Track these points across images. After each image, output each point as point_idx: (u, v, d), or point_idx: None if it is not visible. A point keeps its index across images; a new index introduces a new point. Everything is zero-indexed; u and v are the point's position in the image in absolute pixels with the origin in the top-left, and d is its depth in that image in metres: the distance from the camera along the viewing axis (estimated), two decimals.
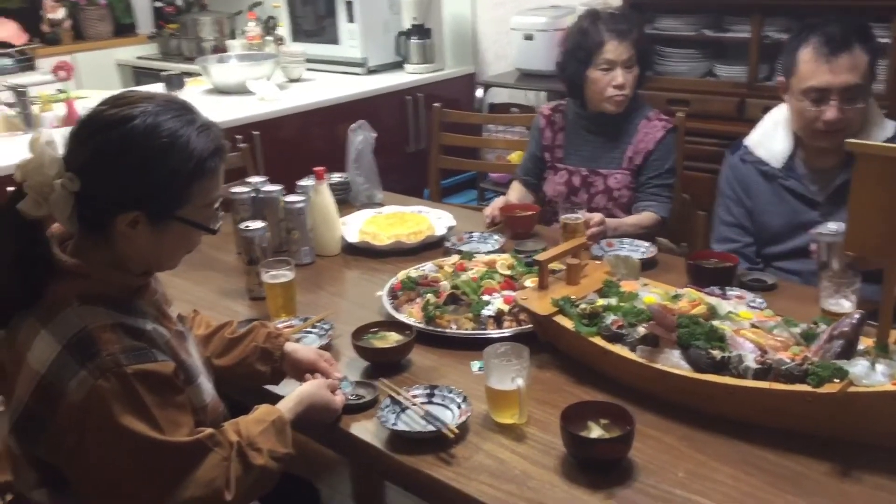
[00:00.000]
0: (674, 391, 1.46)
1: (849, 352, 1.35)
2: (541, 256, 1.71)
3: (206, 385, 1.36)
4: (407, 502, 2.28)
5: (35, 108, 3.23)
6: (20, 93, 3.17)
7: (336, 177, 2.68)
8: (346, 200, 2.64)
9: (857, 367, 1.31)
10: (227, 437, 1.29)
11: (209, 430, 1.26)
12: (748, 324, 1.53)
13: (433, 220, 2.40)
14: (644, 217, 2.42)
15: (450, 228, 2.33)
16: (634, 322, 1.53)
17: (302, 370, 1.55)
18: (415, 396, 1.50)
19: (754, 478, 1.29)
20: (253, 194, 2.25)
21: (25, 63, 4.56)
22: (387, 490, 2.46)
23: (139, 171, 1.20)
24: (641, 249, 2.15)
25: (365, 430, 1.46)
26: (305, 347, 1.60)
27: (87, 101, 3.67)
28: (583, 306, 1.61)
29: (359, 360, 1.67)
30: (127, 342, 1.19)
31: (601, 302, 1.63)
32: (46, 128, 3.21)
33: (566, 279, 1.74)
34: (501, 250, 2.18)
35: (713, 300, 1.63)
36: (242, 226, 1.99)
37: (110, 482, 1.19)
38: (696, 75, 3.37)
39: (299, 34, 4.37)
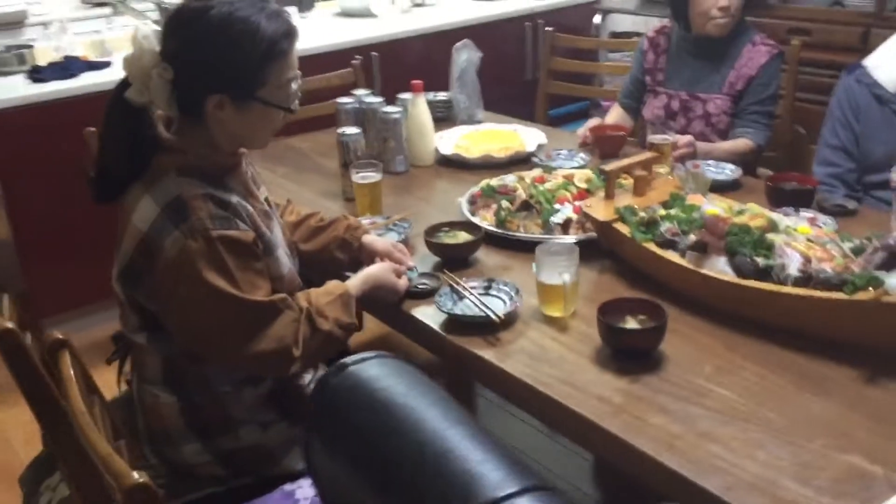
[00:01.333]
0: (716, 296, 1.51)
1: (891, 264, 1.36)
2: (608, 166, 1.78)
3: (284, 259, 1.53)
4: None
5: None
6: (164, 8, 3.44)
7: (440, 95, 2.80)
8: (449, 118, 2.76)
9: (893, 278, 1.32)
10: (298, 303, 1.47)
11: (282, 295, 1.44)
12: (803, 238, 1.56)
13: (525, 137, 2.48)
14: (739, 143, 2.41)
15: (540, 146, 2.41)
16: (687, 229, 1.58)
17: (380, 257, 1.71)
18: (473, 287, 1.63)
19: (779, 377, 1.34)
20: (356, 105, 2.40)
21: None
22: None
23: (219, 56, 1.37)
24: (727, 171, 2.16)
25: (424, 313, 1.60)
26: (382, 239, 1.76)
27: None
28: (642, 215, 1.68)
29: (431, 255, 1.80)
30: (214, 210, 1.37)
31: (662, 212, 1.69)
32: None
33: (633, 190, 1.80)
34: (586, 168, 2.24)
35: (776, 216, 1.66)
36: (339, 131, 2.15)
37: (197, 329, 1.40)
38: (822, 3, 3.23)
39: None
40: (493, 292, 1.62)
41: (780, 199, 1.92)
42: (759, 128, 2.43)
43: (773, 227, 1.61)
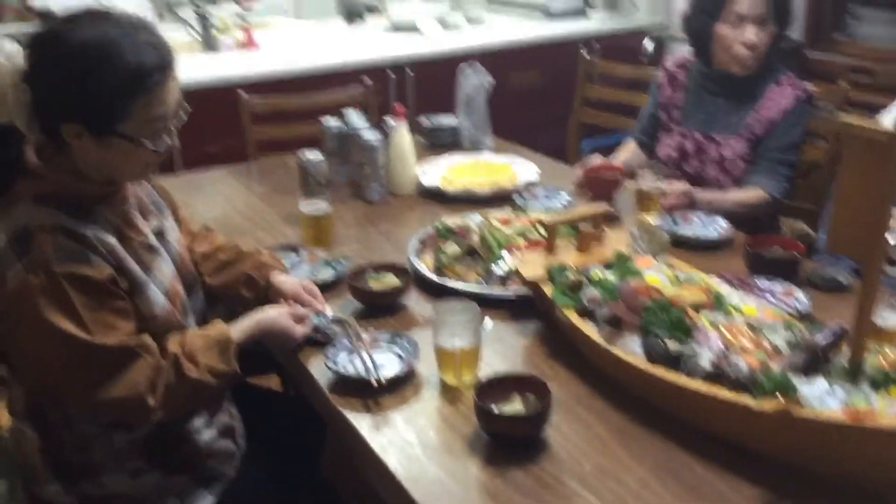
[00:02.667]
0: (626, 379, 1.33)
1: (814, 367, 1.15)
2: (548, 218, 1.61)
3: (158, 297, 1.42)
4: None
5: (215, 32, 3.50)
6: (203, 17, 3.45)
7: (446, 120, 2.68)
8: (456, 144, 2.62)
9: (812, 387, 1.11)
10: (169, 347, 1.37)
11: (140, 338, 1.34)
12: (744, 321, 1.34)
13: (519, 171, 2.32)
14: (749, 194, 2.17)
15: (528, 183, 2.24)
16: (607, 299, 1.40)
17: (286, 300, 1.59)
18: (375, 341, 1.49)
19: (663, 487, 1.15)
20: (342, 127, 2.31)
21: None
22: None
23: (74, 84, 1.27)
24: (716, 227, 1.94)
25: (317, 363, 1.48)
26: (291, 280, 1.64)
27: (267, 28, 3.94)
28: (570, 276, 1.50)
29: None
30: (62, 243, 1.27)
31: (597, 275, 1.50)
32: (221, 50, 3.49)
33: (577, 246, 1.62)
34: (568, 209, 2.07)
35: (725, 290, 1.45)
36: (299, 154, 2.05)
37: (40, 371, 1.32)
38: (892, 41, 2.91)
39: None
40: (397, 348, 1.49)
41: (758, 266, 1.69)
42: (776, 178, 2.18)
43: (716, 303, 1.41)
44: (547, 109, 3.56)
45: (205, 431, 1.53)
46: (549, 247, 1.61)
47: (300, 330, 1.52)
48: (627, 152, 2.52)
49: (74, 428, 1.40)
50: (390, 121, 2.28)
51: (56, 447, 1.41)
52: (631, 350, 1.31)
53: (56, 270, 1.26)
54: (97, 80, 1.26)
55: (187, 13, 3.56)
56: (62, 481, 1.42)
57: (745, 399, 1.14)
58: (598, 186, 2.19)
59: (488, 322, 1.59)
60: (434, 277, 1.71)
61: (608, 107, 3.12)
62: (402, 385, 1.41)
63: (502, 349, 1.52)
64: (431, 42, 3.62)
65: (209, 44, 3.49)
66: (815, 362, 1.15)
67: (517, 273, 1.59)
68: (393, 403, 1.37)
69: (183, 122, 1.41)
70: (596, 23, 3.97)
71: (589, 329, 1.38)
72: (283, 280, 1.63)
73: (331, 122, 2.32)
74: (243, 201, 2.27)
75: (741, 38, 2.15)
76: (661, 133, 2.41)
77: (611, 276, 1.49)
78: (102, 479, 1.42)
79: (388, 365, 1.44)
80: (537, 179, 2.28)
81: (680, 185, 2.04)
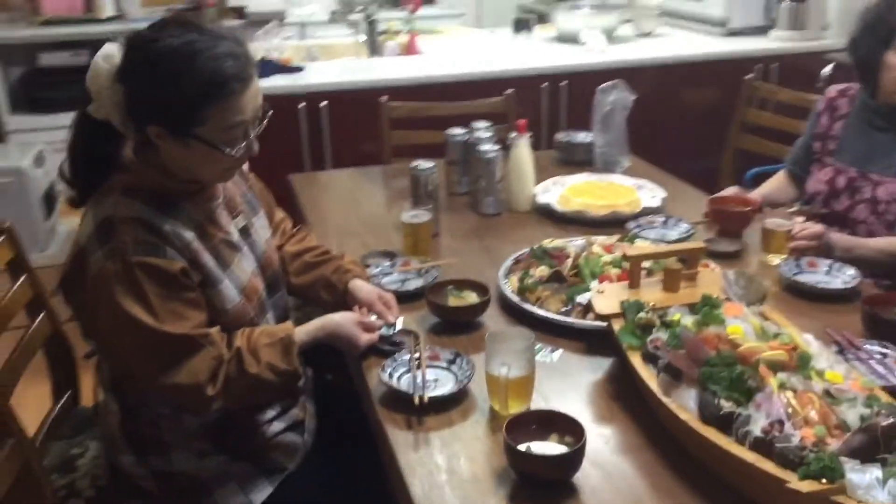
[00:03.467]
0: (677, 434, 1.23)
1: (870, 452, 1.00)
2: (631, 251, 1.52)
3: (231, 292, 1.47)
4: None
5: (381, 37, 3.61)
6: (371, 22, 3.57)
7: (584, 137, 2.61)
8: (590, 161, 2.55)
9: (863, 475, 0.97)
10: (230, 340, 1.43)
11: (206, 329, 1.40)
12: (822, 388, 1.20)
13: (643, 196, 2.22)
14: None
15: (648, 209, 2.14)
16: (670, 346, 1.30)
17: (360, 307, 1.61)
18: (435, 358, 1.48)
19: None
20: (466, 137, 2.30)
21: None
22: None
23: (156, 88, 1.34)
24: (843, 277, 1.76)
25: (376, 372, 1.48)
26: (368, 288, 1.65)
27: (437, 35, 4.01)
28: (647, 315, 1.41)
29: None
30: (140, 235, 1.36)
31: (675, 317, 1.40)
32: (385, 54, 3.59)
33: (663, 284, 1.52)
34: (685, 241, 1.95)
35: (815, 349, 1.31)
36: (413, 164, 2.07)
37: (112, 351, 1.41)
38: None
39: None
40: (455, 368, 1.46)
41: (873, 327, 1.51)
42: None
43: (799, 364, 1.27)
44: (707, 131, 3.37)
45: (274, 423, 1.58)
46: (632, 281, 1.52)
47: (365, 338, 1.53)
48: (774, 184, 2.33)
49: (149, 406, 1.49)
50: (512, 135, 2.24)
51: (133, 421, 1.51)
52: (685, 404, 1.21)
53: (131, 260, 1.34)
54: (176, 85, 1.33)
55: (358, 17, 3.69)
56: (136, 453, 1.51)
57: (786, 475, 1.02)
58: (724, 219, 2.04)
59: (557, 352, 1.53)
60: (515, 299, 1.67)
61: (770, 134, 2.91)
62: (451, 407, 1.38)
63: (567, 382, 1.46)
64: (592, 54, 3.53)
65: (373, 48, 3.60)
66: (873, 446, 1.00)
67: (592, 304, 1.51)
68: (436, 424, 1.34)
69: (262, 128, 1.46)
70: (777, 42, 3.70)
71: (648, 375, 1.29)
72: (359, 286, 1.65)
73: (455, 131, 2.32)
74: (364, 203, 2.32)
75: None
76: (813, 165, 2.21)
77: (689, 320, 1.39)
78: (170, 456, 1.50)
79: (440, 384, 1.42)
80: (660, 206, 2.17)
81: (813, 227, 1.86)
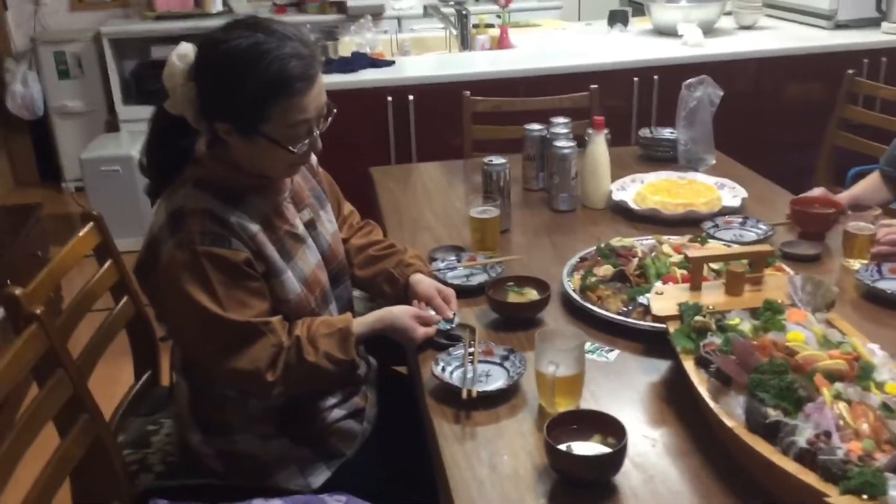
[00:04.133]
0: (724, 441, 1.20)
1: None
2: (693, 253, 1.48)
3: (293, 284, 1.52)
4: None
5: (473, 31, 3.63)
6: (462, 16, 3.59)
7: (667, 132, 2.55)
8: (674, 159, 2.49)
9: None
10: (291, 329, 1.48)
11: (267, 318, 1.46)
12: (881, 400, 1.15)
13: (724, 195, 2.16)
14: None
15: (727, 208, 2.08)
16: (723, 351, 1.26)
17: (420, 301, 1.64)
18: (486, 353, 1.49)
19: None
20: (543, 132, 2.30)
21: None
22: None
23: (225, 86, 1.40)
24: None
25: (430, 365, 1.50)
26: (429, 282, 1.68)
27: (533, 29, 3.99)
28: (703, 318, 1.37)
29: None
30: (208, 226, 1.42)
31: (734, 321, 1.37)
32: (476, 48, 3.61)
33: (725, 287, 1.48)
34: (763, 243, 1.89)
35: (879, 360, 1.25)
36: (486, 159, 2.08)
37: (179, 336, 1.49)
38: None
39: None
40: (508, 364, 1.47)
41: None
42: None
43: (863, 374, 1.22)
44: (807, 128, 3.23)
45: (335, 410, 1.63)
46: (693, 282, 1.49)
47: (422, 331, 1.55)
48: (867, 185, 2.23)
49: (216, 388, 1.56)
50: (589, 131, 2.22)
51: (200, 402, 1.58)
52: (733, 411, 1.18)
53: (198, 249, 1.41)
54: (243, 84, 1.39)
55: (450, 11, 3.72)
56: (203, 433, 1.59)
57: (828, 489, 0.99)
58: (806, 221, 1.97)
59: (613, 352, 1.52)
60: (576, 297, 1.66)
61: (872, 132, 2.76)
62: (500, 402, 1.39)
63: (621, 383, 1.44)
64: (687, 47, 3.44)
65: (465, 42, 3.62)
66: None
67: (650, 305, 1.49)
68: (484, 419, 1.36)
69: (326, 125, 1.50)
70: (888, 35, 3.51)
71: (699, 379, 1.26)
72: (419, 280, 1.67)
73: (533, 127, 2.32)
74: (439, 197, 2.34)
75: None
76: None
77: (748, 325, 1.35)
78: (234, 437, 1.57)
79: (492, 380, 1.43)
80: (740, 206, 2.10)
81: (894, 232, 1.77)
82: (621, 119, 3.21)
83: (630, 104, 3.32)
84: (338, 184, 2.65)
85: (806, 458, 1.05)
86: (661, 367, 1.48)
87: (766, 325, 1.34)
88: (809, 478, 1.02)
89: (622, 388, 1.43)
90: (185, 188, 1.48)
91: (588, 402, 1.38)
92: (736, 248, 1.55)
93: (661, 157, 2.53)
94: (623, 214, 2.15)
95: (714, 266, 1.66)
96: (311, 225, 1.63)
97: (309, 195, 1.67)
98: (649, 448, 1.27)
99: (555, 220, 2.17)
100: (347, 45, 3.55)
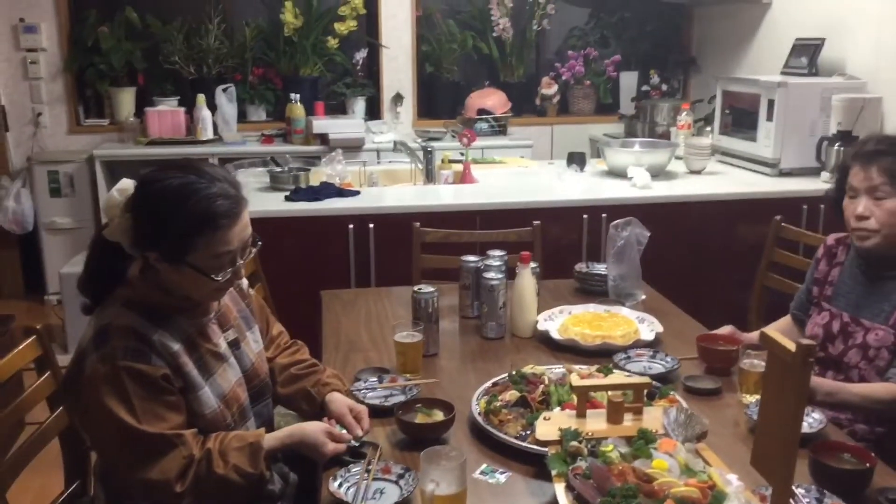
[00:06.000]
0: None
1: None
2: (576, 382, 1.60)
3: (210, 400, 1.64)
4: None
5: (438, 165, 3.87)
6: (427, 151, 3.83)
7: (598, 268, 2.72)
8: (603, 293, 2.65)
9: None
10: (205, 442, 1.58)
11: (182, 431, 1.56)
12: None
13: (642, 329, 2.29)
14: (880, 389, 1.95)
15: (640, 342, 2.21)
16: (585, 475, 1.37)
17: (331, 418, 1.75)
18: (384, 471, 1.59)
19: None
20: (478, 265, 2.45)
21: (499, 129, 5.35)
22: None
23: (157, 219, 1.57)
24: (808, 422, 1.77)
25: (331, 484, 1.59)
26: (343, 401, 1.80)
27: (491, 165, 4.23)
28: (577, 444, 1.48)
29: None
30: (130, 343, 1.55)
31: (608, 448, 1.47)
32: (439, 182, 3.83)
33: (607, 416, 1.59)
34: (666, 378, 2.01)
35: (733, 490, 1.35)
36: (416, 287, 2.22)
37: (99, 444, 1.60)
38: None
39: (727, 128, 4.29)
40: (402, 483, 1.56)
41: (817, 475, 1.53)
42: None
43: (713, 503, 1.32)
44: (745, 268, 3.40)
45: None
46: (579, 411, 1.60)
47: (331, 447, 1.65)
48: (778, 326, 2.38)
49: (132, 498, 1.64)
50: (518, 264, 2.38)
51: None
52: None
53: (119, 364, 1.53)
54: (172, 218, 1.56)
55: (417, 147, 3.97)
56: None
57: None
58: (710, 357, 2.10)
59: (505, 474, 1.61)
60: (479, 419, 1.77)
61: (797, 274, 2.92)
62: None
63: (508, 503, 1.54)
64: (637, 189, 3.66)
65: (430, 175, 3.85)
66: None
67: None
68: None
69: (251, 255, 1.66)
70: (827, 184, 3.73)
71: (562, 499, 1.36)
72: (333, 399, 1.79)
73: (469, 258, 2.48)
74: (379, 322, 2.48)
75: (853, 210, 2.05)
76: (812, 309, 2.26)
77: (619, 452, 1.46)
78: None
79: (385, 498, 1.52)
80: (652, 339, 2.23)
81: None
82: (570, 253, 3.38)
83: (580, 239, 3.50)
84: (297, 305, 2.82)
85: None
86: (549, 490, 1.57)
87: (636, 452, 1.45)
88: None
89: None
90: (115, 306, 1.61)
91: None
92: (617, 379, 1.66)
93: (595, 291, 2.69)
94: (547, 344, 2.28)
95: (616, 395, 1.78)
96: (234, 344, 1.76)
97: (237, 316, 1.81)
98: None
99: (483, 346, 2.30)
100: (318, 174, 3.77)
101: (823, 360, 2.15)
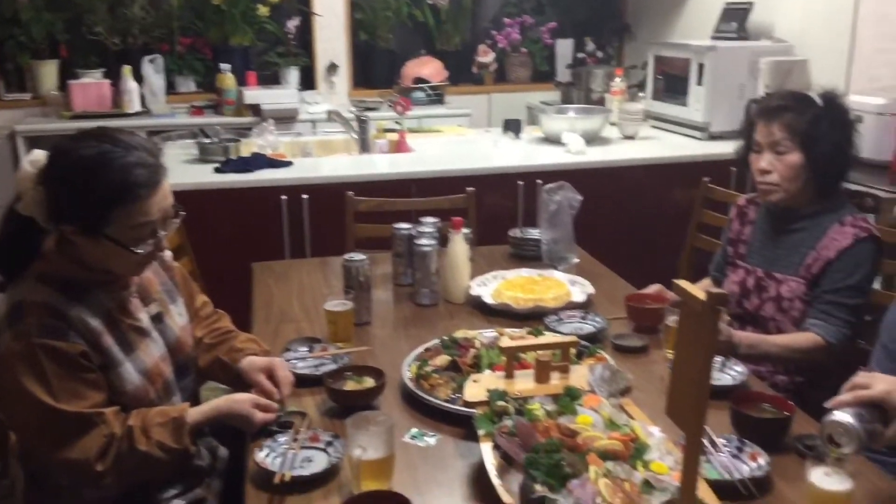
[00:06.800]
0: None
1: None
2: (505, 344, 1.61)
3: (132, 376, 1.60)
4: None
5: (372, 135, 3.83)
6: (362, 121, 3.79)
7: (532, 232, 2.73)
8: (537, 257, 2.66)
9: None
10: (124, 419, 1.54)
11: (102, 409, 1.52)
12: (644, 478, 1.26)
13: (574, 291, 2.31)
14: (799, 338, 2.01)
15: (571, 303, 2.23)
16: (511, 433, 1.37)
17: (250, 385, 1.73)
18: (313, 439, 1.57)
19: None
20: (410, 232, 2.44)
21: (436, 98, 5.31)
22: None
23: (70, 190, 1.50)
24: (730, 373, 1.81)
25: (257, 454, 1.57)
26: (259, 365, 1.76)
27: (428, 134, 4.21)
28: (504, 403, 1.49)
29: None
30: (45, 319, 1.49)
31: (535, 407, 1.48)
32: (374, 151, 3.80)
33: (535, 375, 1.60)
34: (595, 338, 2.03)
35: (654, 441, 1.37)
36: (347, 256, 2.20)
37: (16, 425, 1.54)
38: None
39: (659, 93, 4.33)
40: (330, 450, 1.55)
41: (742, 427, 1.56)
42: (833, 322, 2.01)
43: (635, 454, 1.34)
44: (677, 230, 3.46)
45: (174, 501, 1.68)
46: (507, 372, 1.61)
47: (259, 417, 1.62)
48: (699, 287, 2.41)
49: (51, 478, 1.60)
50: (450, 231, 2.37)
51: (36, 491, 1.62)
52: (512, 488, 1.29)
53: (34, 341, 1.48)
54: (88, 190, 1.49)
55: (351, 116, 3.92)
56: None
57: None
58: (638, 316, 2.13)
59: (434, 437, 1.61)
60: (410, 385, 1.76)
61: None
62: (317, 486, 1.46)
63: (438, 466, 1.54)
64: (572, 154, 3.68)
65: (364, 145, 3.81)
66: None
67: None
68: (294, 501, 1.43)
69: (174, 228, 1.61)
70: None
71: (488, 458, 1.37)
72: (250, 365, 1.76)
73: (401, 226, 2.46)
74: (312, 292, 2.44)
75: (758, 165, 2.11)
76: (728, 268, 2.31)
77: (545, 410, 1.46)
78: None
79: (313, 465, 1.50)
80: (585, 301, 2.25)
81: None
82: (506, 220, 3.39)
83: (516, 206, 3.51)
84: (229, 279, 2.77)
85: None
86: (478, 450, 1.56)
87: (562, 408, 1.46)
88: None
89: (438, 472, 1.52)
90: (29, 282, 1.55)
91: (405, 485, 1.46)
92: (544, 340, 1.67)
93: (529, 256, 2.70)
94: (480, 309, 2.29)
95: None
96: (158, 318, 1.71)
97: (159, 289, 1.76)
98: None
99: (416, 313, 2.29)
100: (249, 145, 3.70)
101: (741, 315, 2.21)
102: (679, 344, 1.05)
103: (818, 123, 2.03)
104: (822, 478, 1.30)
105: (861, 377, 1.36)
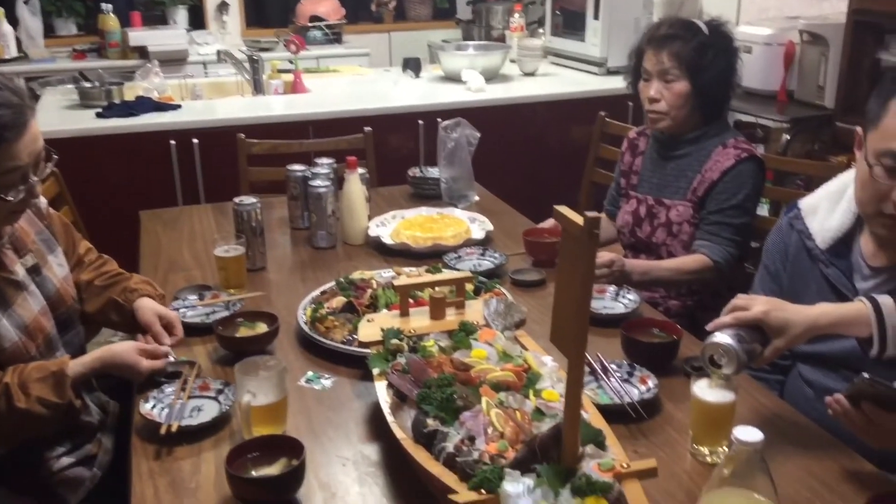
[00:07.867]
0: (402, 451, 1.28)
1: (530, 463, 1.07)
2: (399, 281, 1.58)
3: (9, 332, 1.50)
4: None
5: (265, 76, 3.69)
6: (254, 61, 3.65)
7: (431, 171, 2.70)
8: (437, 196, 2.63)
9: (516, 484, 1.03)
10: (1, 377, 1.45)
11: None
12: (534, 406, 1.27)
13: (473, 228, 2.30)
14: (688, 260, 2.06)
15: (470, 241, 2.22)
16: (404, 370, 1.36)
17: (142, 326, 1.66)
18: (203, 388, 1.52)
19: None
20: (304, 174, 2.37)
21: (334, 37, 5.17)
22: None
23: None
24: (623, 302, 1.84)
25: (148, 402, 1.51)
26: (152, 308, 1.70)
27: (325, 74, 4.09)
28: (398, 341, 1.47)
29: None
30: None
31: (430, 343, 1.46)
32: (269, 93, 3.67)
33: (430, 312, 1.58)
34: (494, 273, 2.02)
35: (546, 371, 1.37)
36: (237, 199, 2.12)
37: None
38: None
39: (558, 29, 4.32)
40: (221, 398, 1.50)
41: (634, 353, 1.59)
42: (719, 242, 2.06)
43: (528, 384, 1.34)
44: (573, 165, 3.49)
45: (63, 458, 1.60)
46: (402, 310, 1.59)
47: (146, 364, 1.55)
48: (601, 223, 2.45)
49: None
50: (345, 171, 2.31)
51: None
52: (405, 424, 1.27)
53: None
54: None
55: (243, 57, 3.77)
56: None
57: (462, 487, 1.08)
58: (535, 250, 2.13)
59: (330, 380, 1.59)
60: (305, 328, 1.72)
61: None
62: (207, 436, 1.42)
63: (334, 408, 1.51)
64: (472, 92, 3.64)
65: (258, 86, 3.68)
66: (532, 458, 1.07)
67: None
68: (185, 454, 1.38)
69: (44, 175, 1.50)
70: None
71: (382, 396, 1.35)
72: (141, 306, 1.69)
73: (295, 167, 2.39)
74: (203, 240, 2.36)
75: (647, 93, 2.14)
76: (621, 200, 2.34)
77: (440, 346, 1.45)
78: None
79: (203, 414, 1.46)
80: (483, 238, 2.25)
81: (605, 255, 1.95)
82: (407, 160, 3.34)
83: (416, 145, 3.47)
84: (118, 229, 2.64)
85: (449, 461, 1.15)
86: (374, 390, 1.54)
87: (457, 343, 1.45)
88: (449, 479, 1.11)
89: (333, 413, 1.50)
90: None
91: (300, 429, 1.43)
92: (439, 276, 1.66)
93: (428, 195, 2.66)
94: (379, 249, 2.25)
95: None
96: (34, 270, 1.61)
97: (35, 240, 1.65)
98: (339, 468, 1.34)
99: (314, 256, 2.24)
100: (134, 89, 3.52)
101: (634, 244, 2.26)
102: (560, 270, 1.04)
103: (704, 51, 2.05)
104: (706, 390, 1.33)
105: (740, 299, 1.39)
